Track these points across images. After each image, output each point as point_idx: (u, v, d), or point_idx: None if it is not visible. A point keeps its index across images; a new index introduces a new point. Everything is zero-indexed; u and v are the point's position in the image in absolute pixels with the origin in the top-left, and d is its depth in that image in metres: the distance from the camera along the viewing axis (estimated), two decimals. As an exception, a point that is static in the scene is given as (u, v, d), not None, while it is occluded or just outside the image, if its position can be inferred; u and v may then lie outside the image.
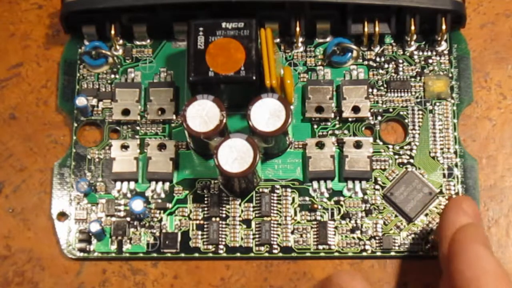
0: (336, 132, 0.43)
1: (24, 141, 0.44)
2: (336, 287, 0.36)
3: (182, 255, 0.42)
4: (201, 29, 0.40)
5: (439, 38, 0.44)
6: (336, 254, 0.41)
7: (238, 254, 0.42)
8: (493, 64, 0.44)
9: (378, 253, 0.41)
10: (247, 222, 0.42)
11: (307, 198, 0.42)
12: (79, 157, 0.43)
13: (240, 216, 0.42)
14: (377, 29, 0.43)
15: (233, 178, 0.40)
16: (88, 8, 0.43)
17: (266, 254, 0.41)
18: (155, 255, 0.42)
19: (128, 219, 0.42)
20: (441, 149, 0.43)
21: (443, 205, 0.42)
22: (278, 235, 0.42)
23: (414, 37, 0.44)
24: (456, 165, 0.42)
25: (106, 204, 0.42)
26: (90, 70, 0.44)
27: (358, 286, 0.36)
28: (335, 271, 0.37)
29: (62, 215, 0.42)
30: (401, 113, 0.43)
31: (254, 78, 0.40)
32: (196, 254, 0.42)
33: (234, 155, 0.39)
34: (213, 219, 0.42)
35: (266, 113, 0.39)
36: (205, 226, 0.42)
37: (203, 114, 0.39)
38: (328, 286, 0.36)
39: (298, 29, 0.43)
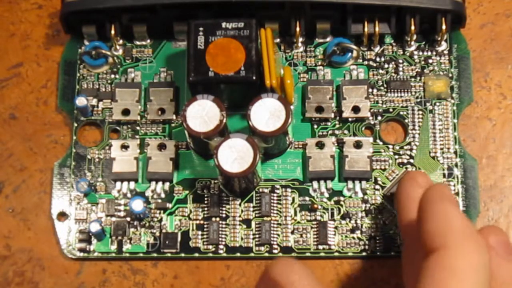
0: (336, 132, 0.43)
1: (24, 141, 0.44)
2: (273, 283, 0.34)
3: (182, 255, 0.42)
4: (201, 29, 0.40)
5: (439, 38, 0.44)
6: (336, 254, 0.41)
7: (238, 254, 0.42)
8: (493, 64, 0.44)
9: (378, 253, 0.41)
10: (247, 222, 0.42)
11: (307, 198, 0.42)
12: (79, 157, 0.43)
13: (240, 216, 0.42)
14: (377, 29, 0.43)
15: (233, 178, 0.40)
16: (88, 8, 0.43)
17: (266, 254, 0.41)
18: (155, 255, 0.42)
19: (128, 219, 0.42)
20: (441, 149, 0.43)
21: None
22: (278, 235, 0.42)
23: (414, 37, 0.44)
24: (456, 165, 0.42)
25: (106, 204, 0.42)
26: (90, 70, 0.44)
27: (297, 281, 0.34)
28: (271, 262, 0.34)
29: (62, 215, 0.42)
30: (401, 113, 0.43)
31: (254, 78, 0.40)
32: (196, 254, 0.42)
33: (234, 155, 0.39)
34: (213, 219, 0.42)
35: (266, 113, 0.39)
36: (205, 226, 0.42)
37: (203, 114, 0.39)
38: (266, 282, 0.35)
39: (298, 29, 0.43)
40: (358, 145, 0.42)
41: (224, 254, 0.41)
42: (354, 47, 0.44)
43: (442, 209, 0.34)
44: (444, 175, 0.42)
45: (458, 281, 0.32)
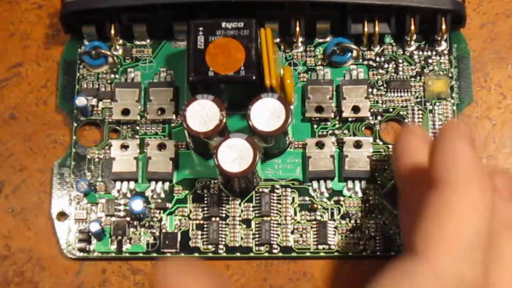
0: (336, 132, 0.43)
1: (24, 141, 0.44)
2: None
3: (182, 255, 0.42)
4: (201, 29, 0.40)
5: (439, 38, 0.44)
6: (336, 254, 0.41)
7: (238, 254, 0.41)
8: (493, 64, 0.44)
9: (378, 253, 0.41)
10: (247, 222, 0.42)
11: (307, 198, 0.42)
12: (79, 157, 0.43)
13: (240, 216, 0.42)
14: (377, 29, 0.43)
15: (233, 178, 0.40)
16: (88, 8, 0.43)
17: (266, 254, 0.41)
18: (154, 255, 0.42)
19: (128, 219, 0.42)
20: (441, 149, 0.43)
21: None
22: (278, 235, 0.42)
23: (414, 37, 0.44)
24: (456, 165, 0.42)
25: (106, 204, 0.42)
26: (90, 70, 0.44)
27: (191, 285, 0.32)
28: (162, 267, 0.32)
29: (62, 215, 0.42)
30: (401, 113, 0.43)
31: (254, 78, 0.40)
32: (196, 254, 0.42)
33: (234, 155, 0.39)
34: (213, 219, 0.42)
35: (266, 113, 0.39)
36: (205, 226, 0.42)
37: (203, 114, 0.39)
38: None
39: (298, 29, 0.43)
40: (358, 145, 0.42)
41: (224, 254, 0.41)
42: (354, 47, 0.44)
43: (453, 144, 0.33)
44: (444, 175, 0.42)
45: (456, 220, 0.32)
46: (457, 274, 0.31)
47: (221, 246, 0.42)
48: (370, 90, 0.43)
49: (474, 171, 0.33)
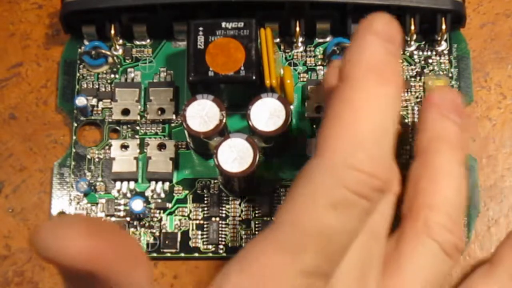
0: (336, 132, 0.43)
1: (24, 141, 0.44)
2: None
3: (182, 255, 0.42)
4: (201, 29, 0.40)
5: (439, 38, 0.44)
6: (336, 254, 0.41)
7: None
8: (493, 64, 0.44)
9: (378, 253, 0.41)
10: (247, 222, 0.42)
11: (307, 198, 0.42)
12: (79, 157, 0.43)
13: (240, 216, 0.42)
14: (377, 29, 0.43)
15: (233, 178, 0.40)
16: (88, 8, 0.43)
17: (266, 254, 0.41)
18: (154, 255, 0.42)
19: (128, 219, 0.42)
20: (441, 149, 0.43)
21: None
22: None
23: (414, 37, 0.44)
24: (456, 165, 0.42)
25: (106, 204, 0.42)
26: (90, 70, 0.44)
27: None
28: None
29: (62, 215, 0.42)
30: (401, 113, 0.43)
31: (254, 78, 0.40)
32: (196, 254, 0.42)
33: (234, 155, 0.39)
34: (213, 219, 0.42)
35: (266, 113, 0.39)
36: (205, 226, 0.42)
37: (203, 114, 0.39)
38: None
39: (298, 29, 0.43)
40: (358, 145, 0.42)
41: (224, 254, 0.41)
42: (354, 47, 0.44)
43: (358, 41, 0.32)
44: (444, 175, 0.42)
45: (352, 114, 0.31)
46: (351, 166, 0.30)
47: (221, 246, 0.42)
48: (370, 90, 0.43)
49: (377, 65, 0.31)
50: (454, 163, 0.35)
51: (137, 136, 0.43)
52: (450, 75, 0.44)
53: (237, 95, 0.41)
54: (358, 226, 0.31)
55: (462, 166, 0.36)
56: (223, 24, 0.40)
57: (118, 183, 0.43)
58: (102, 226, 0.27)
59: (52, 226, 0.26)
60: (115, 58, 0.44)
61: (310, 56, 0.44)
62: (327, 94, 0.36)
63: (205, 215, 0.42)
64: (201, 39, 0.40)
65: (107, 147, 0.43)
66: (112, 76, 0.44)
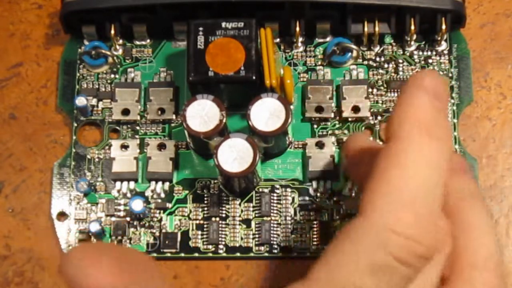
0: (336, 132, 0.43)
1: (24, 141, 0.44)
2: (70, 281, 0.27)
3: (182, 255, 0.42)
4: (201, 29, 0.40)
5: (439, 38, 0.44)
6: (336, 254, 0.41)
7: (238, 254, 0.41)
8: (493, 64, 0.44)
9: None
10: (247, 222, 0.42)
11: (307, 198, 0.42)
12: (79, 157, 0.43)
13: (240, 216, 0.42)
14: (377, 29, 0.43)
15: (233, 178, 0.40)
16: (88, 8, 0.43)
17: (266, 254, 0.41)
18: (155, 255, 0.42)
19: (128, 219, 0.42)
20: (441, 149, 0.43)
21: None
22: (278, 235, 0.42)
23: (414, 37, 0.44)
24: (456, 165, 0.42)
25: (106, 204, 0.42)
26: (90, 70, 0.44)
27: (95, 272, 0.27)
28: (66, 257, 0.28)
29: (62, 215, 0.42)
30: (401, 113, 0.43)
31: (254, 78, 0.40)
32: (196, 254, 0.42)
33: (234, 155, 0.39)
34: (213, 219, 0.42)
35: (266, 113, 0.39)
36: (205, 226, 0.42)
37: (203, 114, 0.39)
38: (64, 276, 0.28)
39: (298, 29, 0.43)
40: (358, 145, 0.42)
41: (224, 254, 0.41)
42: (354, 47, 0.44)
43: (409, 98, 0.31)
44: (444, 175, 0.42)
45: (399, 169, 0.30)
46: (395, 229, 0.29)
47: (221, 246, 0.42)
48: (370, 90, 0.43)
49: (425, 121, 0.30)
50: (486, 216, 0.34)
51: (137, 136, 0.43)
52: (450, 75, 0.44)
53: (237, 95, 0.41)
54: None
55: (490, 217, 0.34)
56: (223, 24, 0.40)
57: (118, 183, 0.43)
58: (129, 258, 0.28)
59: (80, 255, 0.27)
60: (115, 58, 0.44)
61: (310, 56, 0.44)
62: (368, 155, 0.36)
63: (205, 215, 0.42)
64: (201, 39, 0.40)
65: (107, 147, 0.43)
66: (112, 76, 0.44)
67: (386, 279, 0.29)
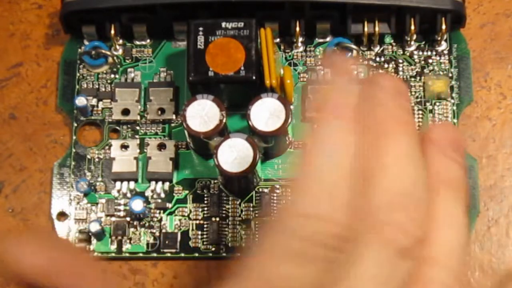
0: (336, 132, 0.43)
1: (24, 141, 0.44)
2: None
3: (182, 255, 0.42)
4: (201, 29, 0.40)
5: (439, 38, 0.44)
6: (336, 254, 0.41)
7: (238, 254, 0.41)
8: (493, 64, 0.44)
9: (378, 253, 0.41)
10: (247, 222, 0.42)
11: (307, 198, 0.42)
12: (79, 157, 0.43)
13: (240, 216, 0.42)
14: (377, 29, 0.43)
15: (233, 178, 0.40)
16: (88, 8, 0.43)
17: (266, 254, 0.41)
18: (155, 255, 0.42)
19: (128, 219, 0.42)
20: (441, 149, 0.42)
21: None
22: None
23: (414, 37, 0.44)
24: (456, 165, 0.42)
25: (106, 204, 0.42)
26: (90, 70, 0.44)
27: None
28: None
29: (62, 215, 0.42)
30: (401, 113, 0.43)
31: (254, 78, 0.40)
32: (196, 254, 0.42)
33: (234, 155, 0.39)
34: (213, 219, 0.42)
35: (266, 113, 0.39)
36: (205, 226, 0.42)
37: (203, 114, 0.39)
38: None
39: (298, 29, 0.43)
40: (358, 145, 0.42)
41: (224, 254, 0.41)
42: (354, 47, 0.44)
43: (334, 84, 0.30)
44: (444, 175, 0.42)
45: (304, 154, 0.29)
46: (302, 213, 0.28)
47: (221, 246, 0.42)
48: (370, 90, 0.43)
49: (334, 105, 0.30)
50: (459, 210, 0.31)
51: (137, 136, 0.43)
52: (450, 75, 0.44)
53: (237, 95, 0.41)
54: (324, 276, 0.28)
55: (466, 215, 0.31)
56: (223, 24, 0.40)
57: (118, 183, 0.43)
58: (54, 242, 0.31)
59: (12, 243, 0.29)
60: (115, 58, 0.44)
61: (310, 56, 0.44)
62: None
63: (205, 215, 0.42)
64: (201, 39, 0.40)
65: (107, 147, 0.43)
66: (112, 76, 0.44)
67: (311, 266, 0.28)
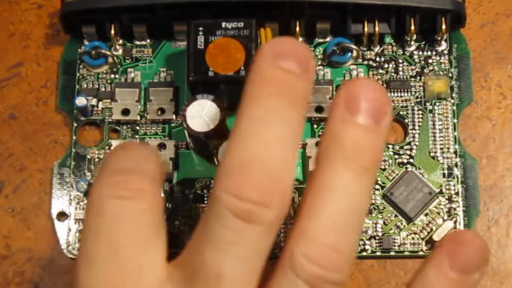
0: (336, 132, 0.43)
1: (24, 141, 0.44)
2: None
3: (182, 255, 0.42)
4: (201, 29, 0.40)
5: (439, 38, 0.44)
6: (336, 254, 0.41)
7: (238, 254, 0.41)
8: (493, 64, 0.44)
9: (378, 253, 0.41)
10: (247, 222, 0.42)
11: (307, 198, 0.42)
12: (79, 157, 0.43)
13: (240, 216, 0.42)
14: (377, 29, 0.43)
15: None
16: (88, 8, 0.43)
17: (266, 254, 0.41)
18: (155, 255, 0.42)
19: (128, 219, 0.42)
20: (441, 149, 0.43)
21: (443, 205, 0.42)
22: (278, 235, 0.42)
23: (414, 37, 0.44)
24: (456, 165, 0.42)
25: (106, 204, 0.42)
26: (90, 70, 0.44)
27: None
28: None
29: (62, 215, 0.42)
30: (401, 113, 0.43)
31: (254, 78, 0.40)
32: (196, 254, 0.41)
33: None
34: (213, 219, 0.42)
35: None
36: (205, 226, 0.42)
37: (203, 114, 0.39)
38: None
39: (298, 29, 0.43)
40: (358, 145, 0.42)
41: (224, 254, 0.41)
42: (354, 47, 0.44)
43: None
44: (444, 175, 0.42)
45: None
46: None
47: (221, 246, 0.41)
48: (370, 90, 0.43)
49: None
50: (344, 176, 0.28)
51: (137, 136, 0.43)
52: (450, 75, 0.44)
53: (237, 95, 0.41)
54: None
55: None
56: (223, 24, 0.40)
57: (118, 183, 0.42)
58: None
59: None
60: (115, 58, 0.44)
61: (310, 56, 0.44)
62: None
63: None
64: (201, 39, 0.40)
65: (107, 147, 0.43)
66: (112, 76, 0.44)
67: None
